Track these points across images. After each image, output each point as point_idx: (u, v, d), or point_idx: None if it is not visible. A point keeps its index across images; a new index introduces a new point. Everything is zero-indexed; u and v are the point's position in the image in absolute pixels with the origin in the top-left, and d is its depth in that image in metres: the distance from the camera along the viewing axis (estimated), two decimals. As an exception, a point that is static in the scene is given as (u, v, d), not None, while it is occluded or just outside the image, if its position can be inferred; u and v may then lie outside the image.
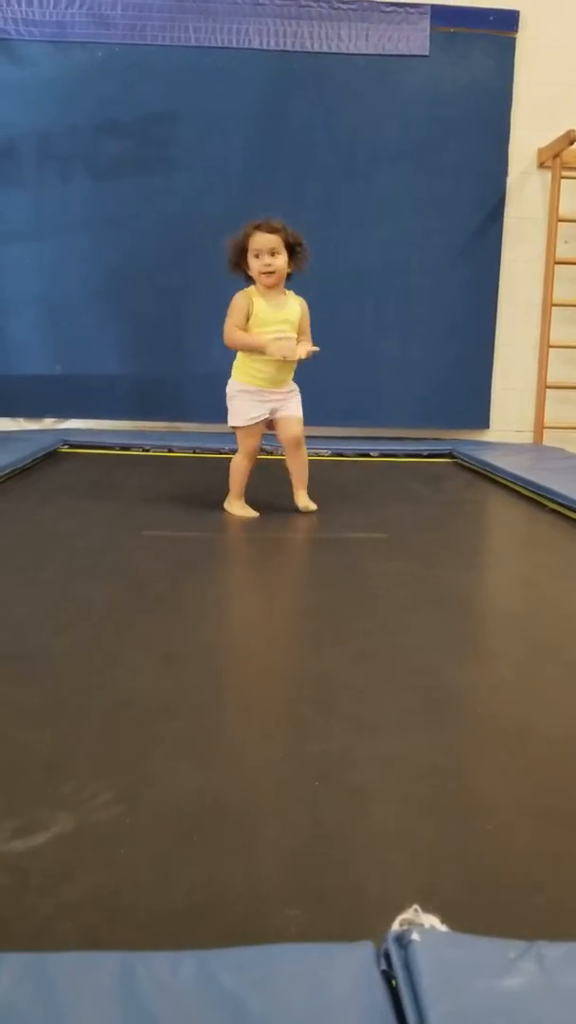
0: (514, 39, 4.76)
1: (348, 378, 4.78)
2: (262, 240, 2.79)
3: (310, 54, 4.71)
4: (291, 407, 2.98)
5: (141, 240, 4.77)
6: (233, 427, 3.00)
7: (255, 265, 2.82)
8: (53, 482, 3.56)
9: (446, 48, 4.73)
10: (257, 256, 2.81)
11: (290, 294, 2.93)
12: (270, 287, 2.85)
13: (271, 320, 2.86)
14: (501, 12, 4.72)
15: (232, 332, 2.89)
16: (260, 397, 2.94)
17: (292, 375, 2.97)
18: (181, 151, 4.74)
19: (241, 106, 4.71)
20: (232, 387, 2.98)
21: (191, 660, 1.63)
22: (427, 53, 4.71)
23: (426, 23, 4.69)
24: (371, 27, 4.69)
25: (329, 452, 4.37)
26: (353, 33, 4.70)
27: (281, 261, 2.81)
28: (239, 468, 2.98)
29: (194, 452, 4.41)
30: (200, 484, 3.57)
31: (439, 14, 4.69)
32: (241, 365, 2.95)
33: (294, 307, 2.91)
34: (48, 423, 4.99)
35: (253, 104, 4.72)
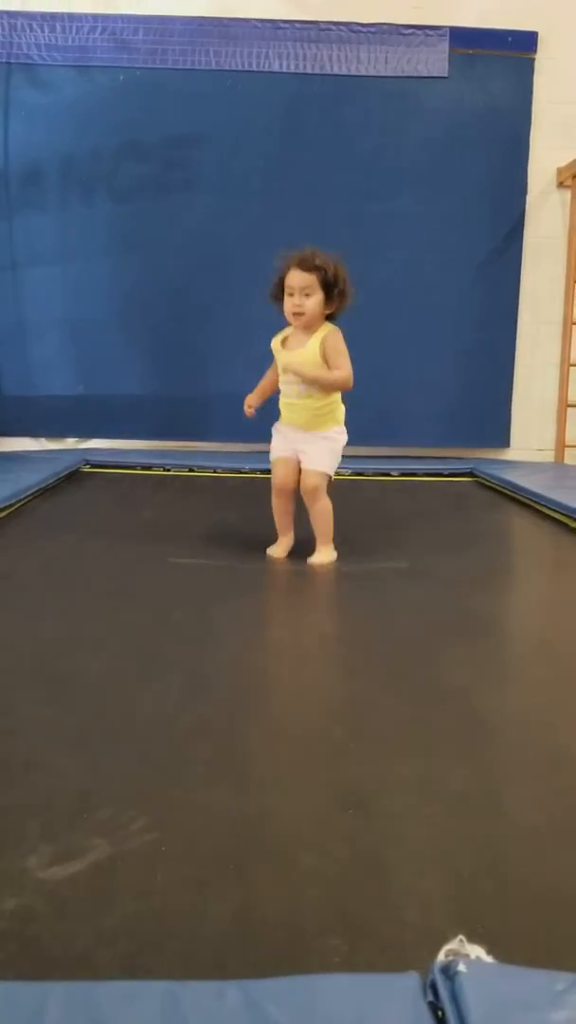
0: (533, 59, 4.79)
1: (368, 397, 4.73)
2: (295, 279, 2.64)
3: (330, 76, 4.75)
4: (309, 456, 2.79)
5: (163, 262, 4.81)
6: None
7: (287, 305, 2.68)
8: (76, 502, 3.58)
9: (465, 69, 4.76)
10: (291, 294, 2.66)
11: (320, 331, 2.70)
12: (301, 328, 2.71)
13: (283, 363, 2.74)
14: (519, 33, 4.74)
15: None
16: (284, 435, 2.83)
17: (318, 422, 2.77)
18: (202, 173, 4.78)
19: (262, 128, 4.75)
20: (275, 424, 2.90)
21: (221, 685, 1.63)
22: (446, 74, 4.74)
23: (445, 45, 4.72)
24: (390, 49, 4.73)
25: (349, 471, 4.36)
26: (372, 55, 4.74)
27: (313, 303, 2.64)
28: (273, 506, 2.88)
29: (215, 472, 4.42)
30: (222, 505, 3.57)
31: (458, 36, 4.72)
32: None
33: (312, 347, 2.70)
34: (70, 443, 5.03)
35: (273, 126, 4.76)
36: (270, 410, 2.90)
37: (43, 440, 5.01)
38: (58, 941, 0.87)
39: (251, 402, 2.88)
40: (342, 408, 2.82)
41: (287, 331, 2.78)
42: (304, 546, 2.78)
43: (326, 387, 2.72)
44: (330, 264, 2.64)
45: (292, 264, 2.66)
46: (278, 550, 2.84)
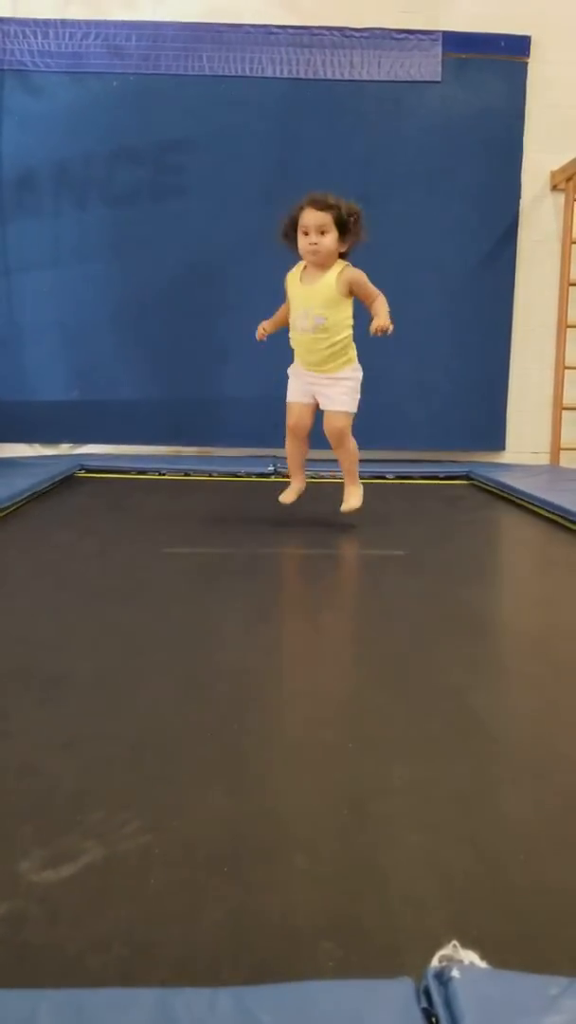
0: (526, 64, 4.80)
1: (363, 401, 4.76)
2: (311, 218, 2.71)
3: (323, 81, 4.76)
4: (329, 398, 2.85)
5: (157, 266, 4.82)
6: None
7: (302, 243, 2.75)
8: (71, 505, 3.57)
9: (458, 74, 4.78)
10: (306, 233, 2.73)
11: (335, 267, 2.80)
12: (316, 265, 2.78)
13: (299, 297, 2.81)
14: (512, 38, 4.76)
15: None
16: (301, 378, 2.89)
17: (333, 359, 2.84)
18: (196, 179, 4.79)
19: (255, 134, 4.76)
20: (291, 366, 2.98)
21: (214, 684, 1.63)
22: (439, 79, 4.76)
23: (438, 49, 4.73)
24: (383, 54, 4.74)
25: (345, 475, 4.37)
26: (365, 60, 4.75)
27: (329, 240, 2.72)
28: (286, 447, 2.98)
29: (210, 475, 4.42)
30: (217, 505, 3.57)
31: (451, 41, 4.73)
32: None
33: (328, 281, 2.78)
34: (65, 448, 5.02)
35: (267, 131, 4.77)
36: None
37: (38, 446, 5.00)
38: (50, 946, 0.87)
39: (266, 327, 2.95)
40: (354, 346, 2.89)
41: (299, 267, 2.84)
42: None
43: (384, 308, 2.81)
44: (344, 203, 2.72)
45: (306, 204, 2.72)
46: (289, 495, 2.95)
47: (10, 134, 4.73)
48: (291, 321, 2.87)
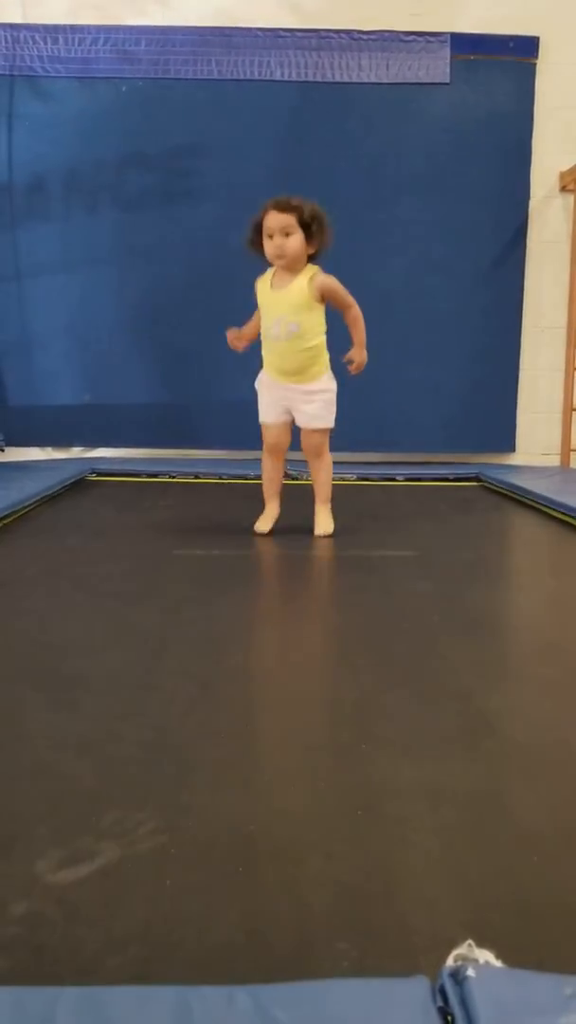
0: (534, 65, 4.80)
1: (372, 404, 4.80)
2: (273, 220, 2.67)
3: (331, 84, 4.77)
4: (306, 414, 2.78)
5: (168, 271, 4.83)
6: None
7: (267, 247, 2.70)
8: (82, 508, 3.59)
9: (466, 75, 4.78)
10: (271, 236, 2.68)
11: (306, 271, 2.74)
12: (283, 269, 2.73)
13: (270, 304, 2.75)
14: (521, 39, 4.76)
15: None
16: (274, 393, 2.80)
17: (309, 366, 2.77)
18: (206, 182, 4.80)
19: (264, 137, 4.77)
20: (259, 378, 2.90)
21: (226, 685, 1.63)
22: (448, 81, 4.76)
23: (446, 51, 4.74)
24: (391, 56, 4.75)
25: (355, 476, 4.37)
26: (373, 63, 4.76)
27: (294, 242, 2.66)
28: (262, 467, 2.90)
29: (220, 479, 4.43)
30: (227, 507, 3.58)
31: (459, 42, 4.74)
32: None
33: (300, 285, 2.71)
34: (76, 452, 5.04)
35: (276, 134, 4.78)
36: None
37: (49, 450, 5.03)
38: (67, 947, 0.87)
39: (241, 338, 2.90)
40: (327, 353, 2.82)
41: (269, 273, 2.79)
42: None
43: (360, 329, 2.78)
44: (306, 204, 2.68)
45: (268, 207, 2.69)
46: (264, 523, 2.83)
47: (21, 139, 4.75)
48: (263, 330, 2.82)
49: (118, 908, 0.93)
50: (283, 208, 2.66)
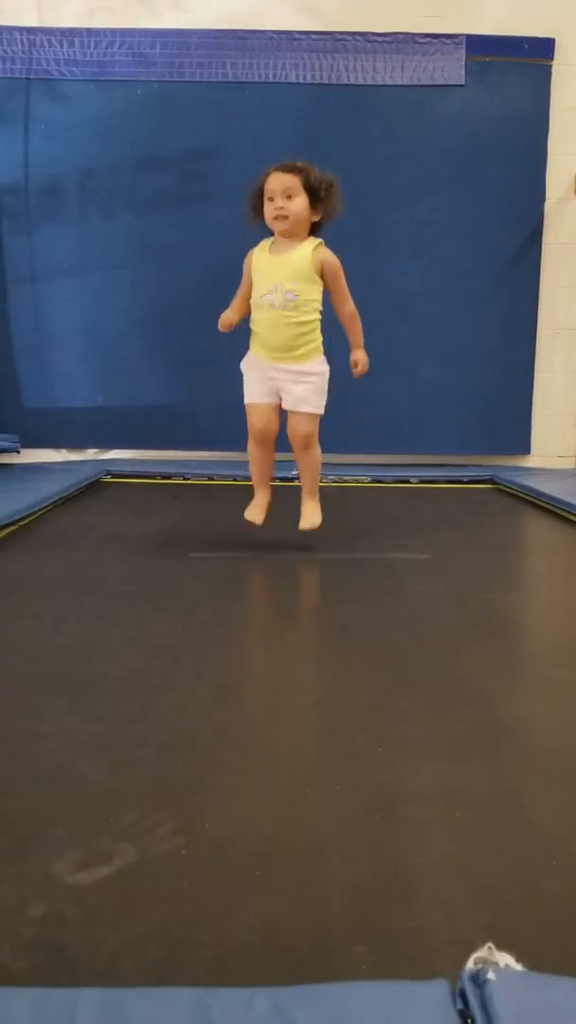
0: (550, 66, 4.78)
1: (387, 405, 4.79)
2: (275, 181, 2.49)
3: (346, 86, 4.77)
4: (295, 396, 2.55)
5: (182, 273, 4.84)
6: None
7: (267, 209, 2.51)
8: (97, 510, 3.60)
9: (482, 77, 4.76)
10: (271, 199, 2.50)
11: (310, 240, 2.54)
12: (284, 234, 2.53)
13: (267, 270, 2.53)
14: (536, 40, 4.74)
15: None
16: (261, 372, 2.58)
17: (301, 343, 2.54)
18: (220, 185, 4.80)
19: (279, 139, 4.75)
20: (244, 359, 2.68)
21: (242, 687, 1.63)
22: (463, 82, 4.75)
23: (461, 53, 4.73)
24: (406, 58, 4.74)
25: (368, 479, 4.36)
26: (389, 65, 4.75)
27: (297, 205, 2.47)
28: (250, 455, 2.69)
29: (234, 480, 4.43)
30: (242, 510, 3.57)
31: (474, 44, 4.72)
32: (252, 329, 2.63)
33: (303, 252, 2.50)
34: (91, 454, 5.06)
35: (291, 137, 4.76)
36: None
37: (64, 451, 5.04)
38: (85, 948, 0.87)
39: (231, 317, 2.68)
40: (321, 335, 2.64)
41: (267, 241, 2.62)
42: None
43: (358, 329, 2.63)
44: (313, 167, 2.52)
45: (271, 169, 2.53)
46: (255, 512, 2.67)
47: (37, 142, 4.77)
48: (255, 300, 2.59)
49: (136, 909, 0.94)
50: (287, 169, 2.49)
